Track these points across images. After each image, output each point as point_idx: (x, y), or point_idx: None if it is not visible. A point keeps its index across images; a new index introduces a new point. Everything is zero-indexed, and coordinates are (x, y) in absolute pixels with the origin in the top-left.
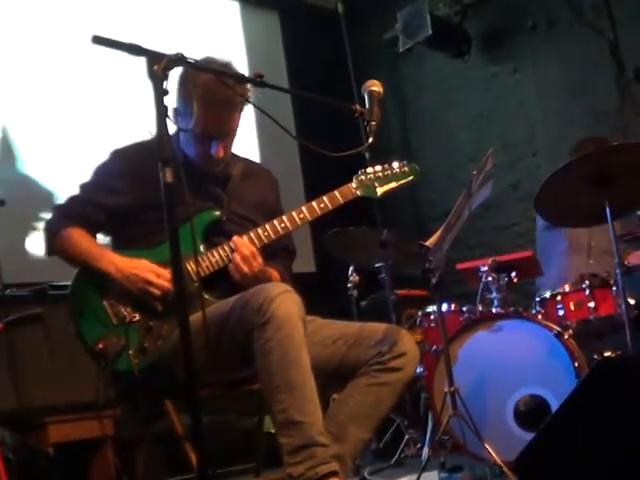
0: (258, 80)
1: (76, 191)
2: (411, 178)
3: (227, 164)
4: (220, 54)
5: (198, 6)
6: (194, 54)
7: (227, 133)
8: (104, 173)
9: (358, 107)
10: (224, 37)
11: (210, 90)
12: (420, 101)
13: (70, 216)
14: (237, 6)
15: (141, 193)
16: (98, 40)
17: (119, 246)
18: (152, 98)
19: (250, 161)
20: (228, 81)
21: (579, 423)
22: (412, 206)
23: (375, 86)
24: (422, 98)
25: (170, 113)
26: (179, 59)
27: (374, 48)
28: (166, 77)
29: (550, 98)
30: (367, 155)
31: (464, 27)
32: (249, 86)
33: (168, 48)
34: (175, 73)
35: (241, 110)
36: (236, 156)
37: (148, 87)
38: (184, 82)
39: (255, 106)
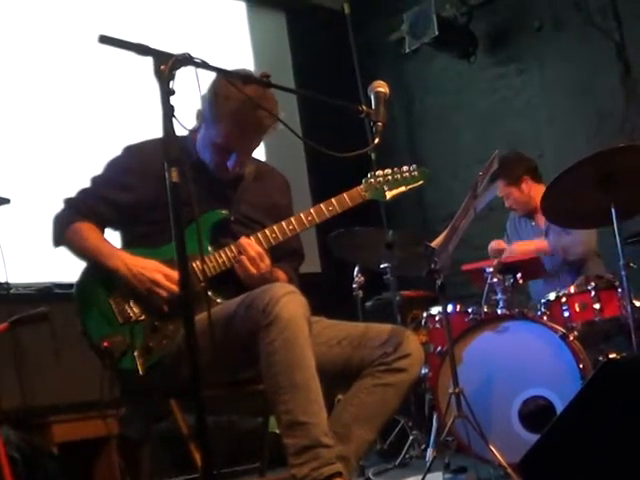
0: (265, 80)
1: (86, 184)
2: (420, 182)
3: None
4: (226, 54)
5: (204, 6)
6: (201, 54)
7: (249, 151)
8: (115, 168)
9: (364, 108)
10: (230, 37)
11: (244, 108)
12: (426, 102)
13: (80, 210)
14: (243, 6)
15: (151, 191)
16: (105, 40)
17: (127, 242)
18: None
19: (263, 163)
20: (263, 102)
21: (584, 425)
22: (418, 207)
23: (381, 87)
24: (428, 99)
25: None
26: (186, 59)
27: (380, 49)
28: (173, 77)
29: (556, 99)
30: (373, 156)
31: (470, 28)
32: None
33: (175, 48)
34: (208, 77)
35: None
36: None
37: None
38: (218, 91)
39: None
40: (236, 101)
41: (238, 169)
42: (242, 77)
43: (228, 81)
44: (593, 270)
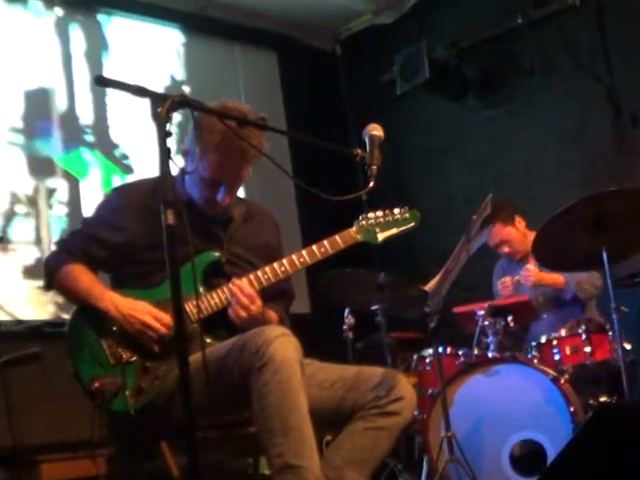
0: (260, 123)
1: (78, 227)
2: (412, 224)
3: (229, 207)
4: (217, 94)
5: (196, 46)
6: (194, 95)
7: (237, 182)
8: (107, 209)
9: (359, 151)
10: (222, 78)
11: (228, 139)
12: (417, 143)
13: (71, 252)
14: (235, 47)
15: (143, 232)
16: (102, 81)
17: (119, 283)
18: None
19: (252, 203)
20: (245, 133)
21: (578, 471)
22: (408, 248)
23: (376, 130)
24: (419, 140)
25: (176, 153)
26: (183, 101)
27: (371, 90)
28: (169, 119)
29: (547, 142)
30: (364, 197)
31: (462, 70)
32: (264, 138)
33: (167, 89)
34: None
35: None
36: (238, 198)
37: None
38: (201, 126)
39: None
40: (219, 132)
41: (228, 201)
42: (238, 119)
43: (207, 113)
44: (591, 310)
